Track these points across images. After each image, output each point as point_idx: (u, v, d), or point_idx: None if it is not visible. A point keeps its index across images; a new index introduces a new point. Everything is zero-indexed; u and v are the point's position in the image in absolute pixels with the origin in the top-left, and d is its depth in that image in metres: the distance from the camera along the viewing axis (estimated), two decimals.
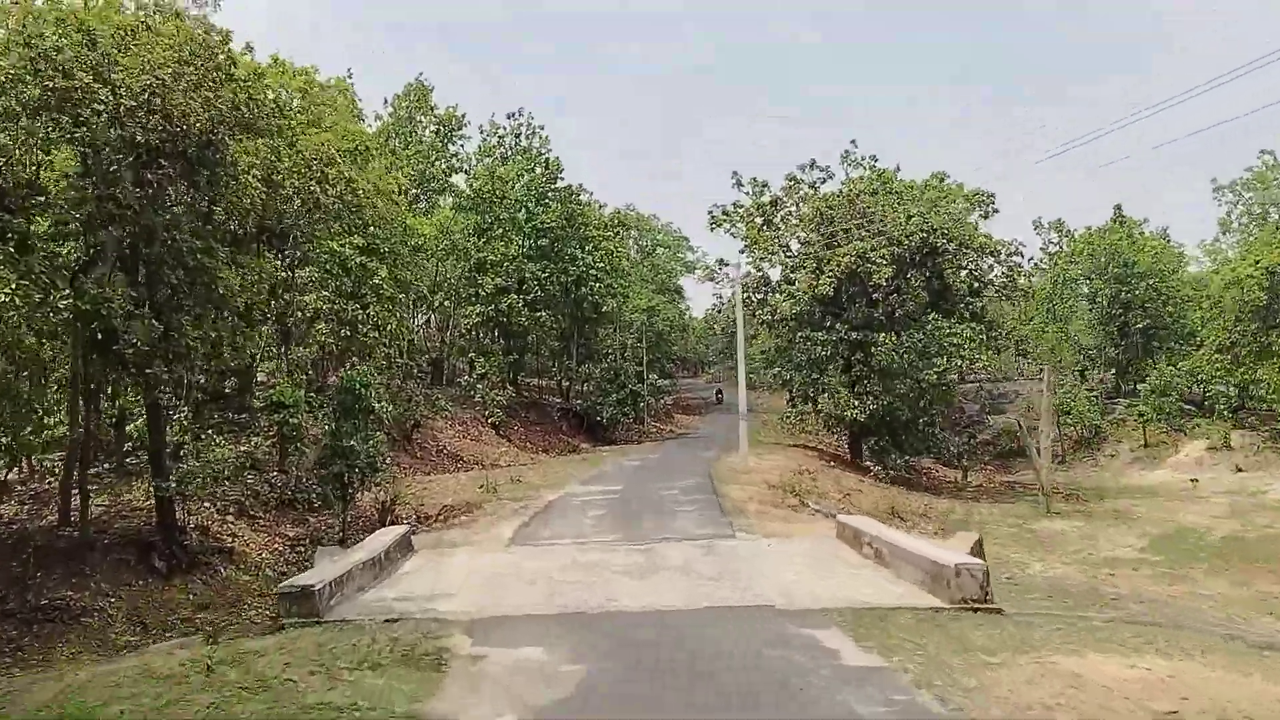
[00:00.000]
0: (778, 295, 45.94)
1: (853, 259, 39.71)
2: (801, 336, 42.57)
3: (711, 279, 46.83)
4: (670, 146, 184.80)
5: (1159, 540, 32.35)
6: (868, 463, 45.13)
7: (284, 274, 26.97)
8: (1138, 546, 31.91)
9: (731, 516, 19.90)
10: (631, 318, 61.03)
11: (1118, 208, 61.45)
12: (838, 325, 43.09)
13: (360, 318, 29.55)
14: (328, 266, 29.22)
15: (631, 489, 25.87)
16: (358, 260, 29.82)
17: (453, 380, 44.37)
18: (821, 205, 41.83)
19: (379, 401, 23.08)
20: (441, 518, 23.60)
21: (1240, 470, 47.11)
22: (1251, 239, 49.97)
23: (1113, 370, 58.78)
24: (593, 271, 48.25)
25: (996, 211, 41.88)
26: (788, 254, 43.71)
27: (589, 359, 54.68)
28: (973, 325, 43.38)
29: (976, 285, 44.14)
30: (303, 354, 29.39)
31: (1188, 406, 55.39)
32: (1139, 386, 61.41)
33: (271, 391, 26.33)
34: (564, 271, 47.89)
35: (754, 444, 46.44)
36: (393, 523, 24.37)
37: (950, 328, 42.95)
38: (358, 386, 22.66)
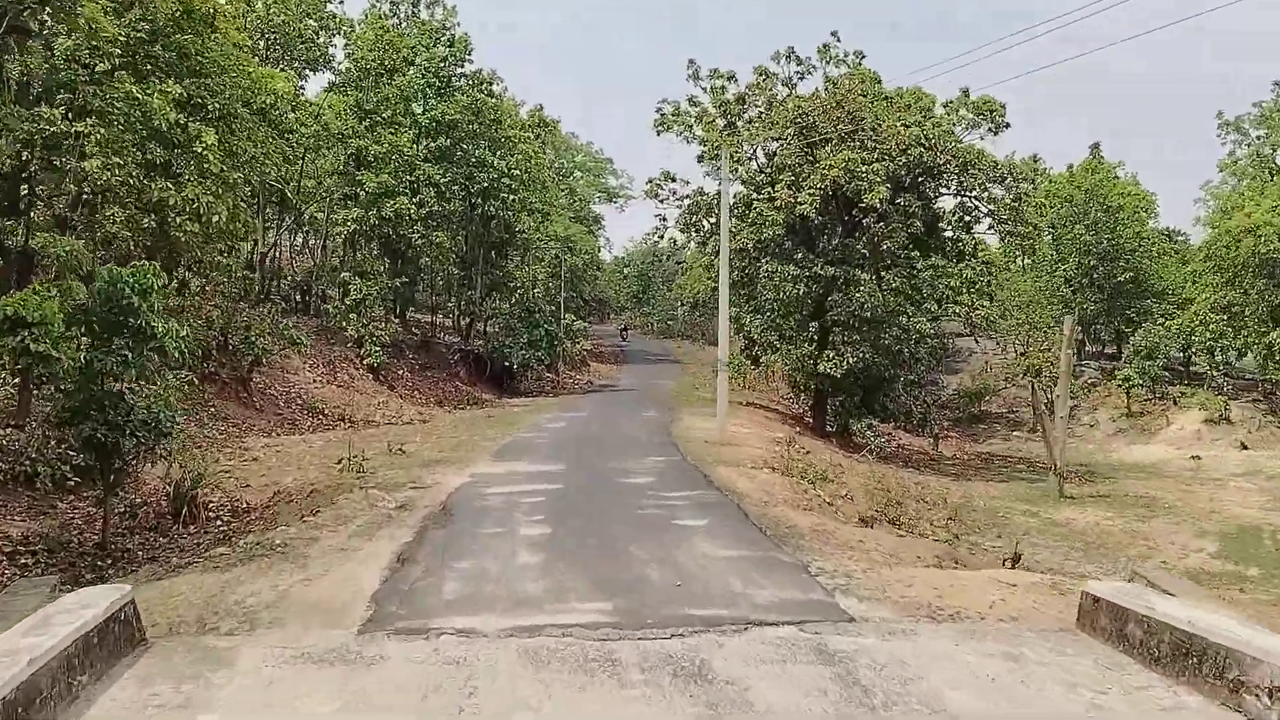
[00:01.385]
0: (741, 220, 37.36)
1: (840, 172, 31.23)
2: (767, 272, 34.06)
3: (656, 195, 37.81)
4: (594, 57, 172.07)
5: (1230, 542, 25.62)
6: (829, 428, 37.31)
7: (51, 127, 17.48)
8: (1210, 551, 24.85)
9: (782, 541, 11.14)
10: (546, 246, 51.57)
11: (1095, 146, 54.71)
12: (811, 258, 34.76)
13: (173, 201, 19.65)
14: (125, 121, 19.14)
15: (577, 471, 16.89)
16: (172, 118, 19.74)
17: (321, 310, 34.41)
18: (801, 105, 33.10)
19: (160, 321, 13.52)
20: (266, 516, 14.28)
21: (1246, 448, 41.12)
22: (1267, 183, 43.55)
23: (1085, 328, 52.36)
24: (505, 181, 38.61)
25: (1008, 126, 33.91)
26: (755, 167, 35.00)
27: (496, 291, 45.19)
28: (973, 265, 35.68)
29: (969, 219, 36.32)
30: (76, 249, 19.25)
31: (1164, 373, 49.44)
32: (1122, 348, 55.52)
33: (7, 302, 16.36)
34: (468, 179, 38.13)
35: (693, 402, 38.00)
36: (193, 517, 15.01)
37: (947, 268, 35.14)
38: (127, 291, 13.21)
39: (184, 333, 14.16)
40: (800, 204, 31.52)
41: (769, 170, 34.24)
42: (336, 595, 8.59)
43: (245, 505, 15.29)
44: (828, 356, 33.70)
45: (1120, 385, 45.08)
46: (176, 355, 13.92)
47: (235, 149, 22.90)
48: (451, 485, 15.12)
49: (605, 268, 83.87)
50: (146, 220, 20.34)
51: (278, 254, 45.09)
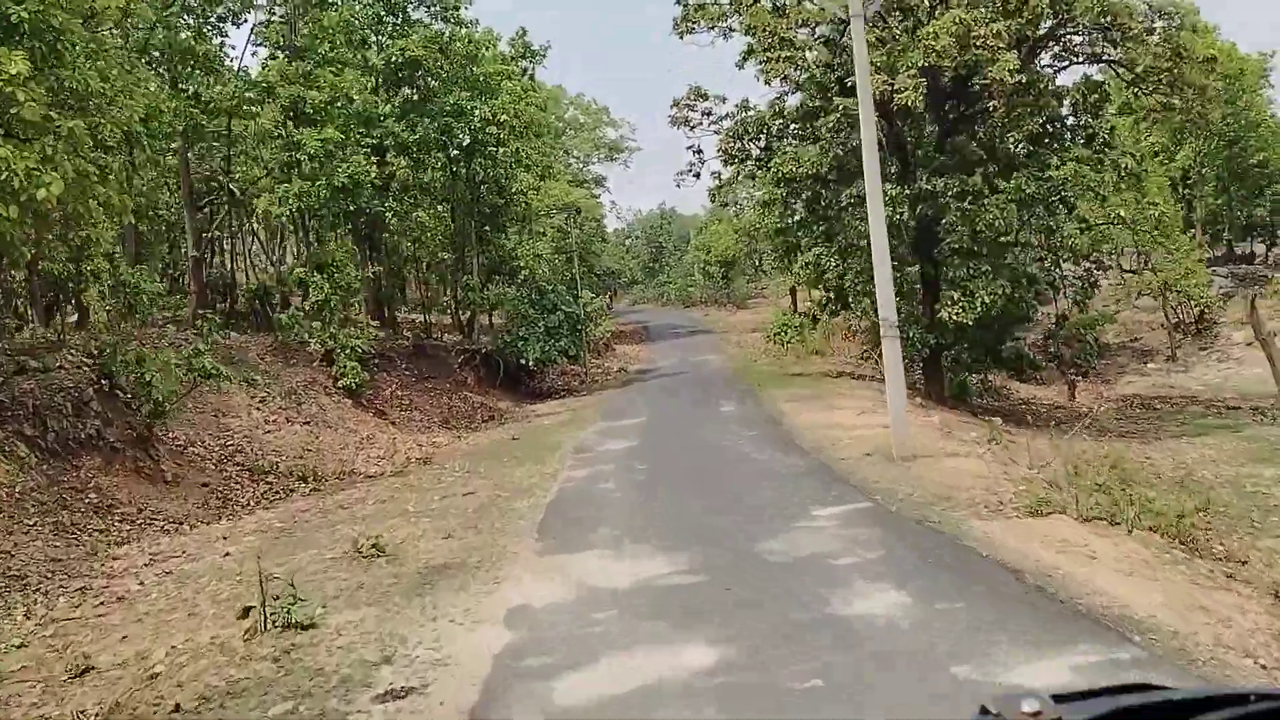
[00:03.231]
0: (786, 141, 28.77)
1: (950, 40, 22.61)
2: (853, 196, 25.44)
3: (686, 122, 29.09)
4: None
5: None
6: (941, 394, 28.91)
7: None
8: None
9: None
10: (548, 216, 43.02)
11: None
12: (911, 170, 26.23)
13: None
14: None
15: (717, 575, 8.29)
16: None
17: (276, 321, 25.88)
18: None
19: None
20: None
21: None
22: None
23: (1205, 227, 43.64)
24: (491, 131, 29.97)
25: None
26: (816, 60, 26.21)
27: (496, 274, 36.69)
28: (1112, 157, 27.06)
29: (1097, 97, 27.53)
30: None
31: None
32: (1255, 247, 46.91)
33: None
34: (445, 133, 29.50)
35: (768, 380, 29.56)
36: None
37: (1088, 163, 26.60)
38: None
39: None
40: (900, 92, 22.87)
41: (840, 59, 25.50)
42: None
43: None
44: (951, 299, 25.17)
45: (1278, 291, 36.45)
46: None
47: (71, 83, 14.62)
48: (467, 678, 6.66)
49: (610, 238, 75.11)
50: None
51: (230, 261, 36.69)
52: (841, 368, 34.28)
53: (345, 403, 24.07)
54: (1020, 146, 25.53)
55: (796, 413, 20.31)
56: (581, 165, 59.39)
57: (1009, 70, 22.61)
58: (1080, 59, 26.90)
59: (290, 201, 23.52)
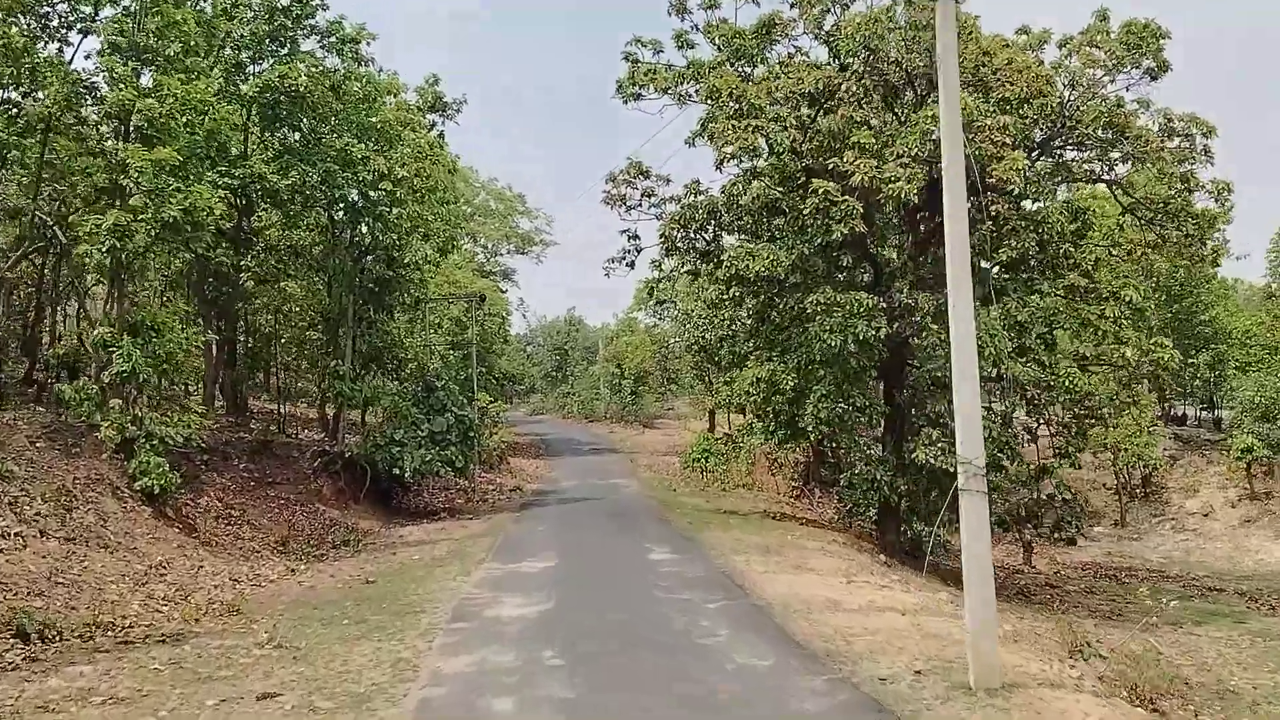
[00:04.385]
0: (739, 236, 24.42)
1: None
2: (819, 304, 20.81)
3: (622, 201, 24.37)
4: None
5: None
6: (897, 548, 24.27)
7: None
8: None
9: None
10: (446, 302, 37.67)
11: None
12: (894, 282, 22.04)
13: None
14: None
15: None
16: None
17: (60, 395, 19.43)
18: (864, 27, 20.23)
19: None
20: None
21: None
22: None
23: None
24: (385, 188, 24.71)
25: (1169, 70, 21.87)
26: (778, 142, 21.85)
27: (376, 364, 30.85)
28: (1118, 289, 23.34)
29: (1078, 226, 23.96)
30: None
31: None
32: (1215, 409, 44.24)
33: None
34: (328, 182, 24.10)
35: (702, 520, 24.36)
36: None
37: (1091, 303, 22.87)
38: None
39: None
40: (891, 181, 18.61)
41: (812, 144, 21.26)
42: None
43: None
44: (929, 438, 20.59)
45: (1238, 459, 33.30)
46: None
47: None
48: None
49: (512, 341, 69.67)
50: None
51: (53, 318, 29.80)
52: (776, 507, 29.31)
53: (141, 512, 17.63)
54: (1005, 265, 21.52)
55: (761, 574, 14.97)
56: (489, 255, 54.31)
57: (1017, 170, 18.70)
58: (1078, 176, 23.44)
59: (102, 239, 17.54)
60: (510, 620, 11.93)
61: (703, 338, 29.73)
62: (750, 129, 20.28)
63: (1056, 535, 22.77)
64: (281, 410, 30.93)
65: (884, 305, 21.01)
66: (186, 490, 20.23)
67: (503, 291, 54.45)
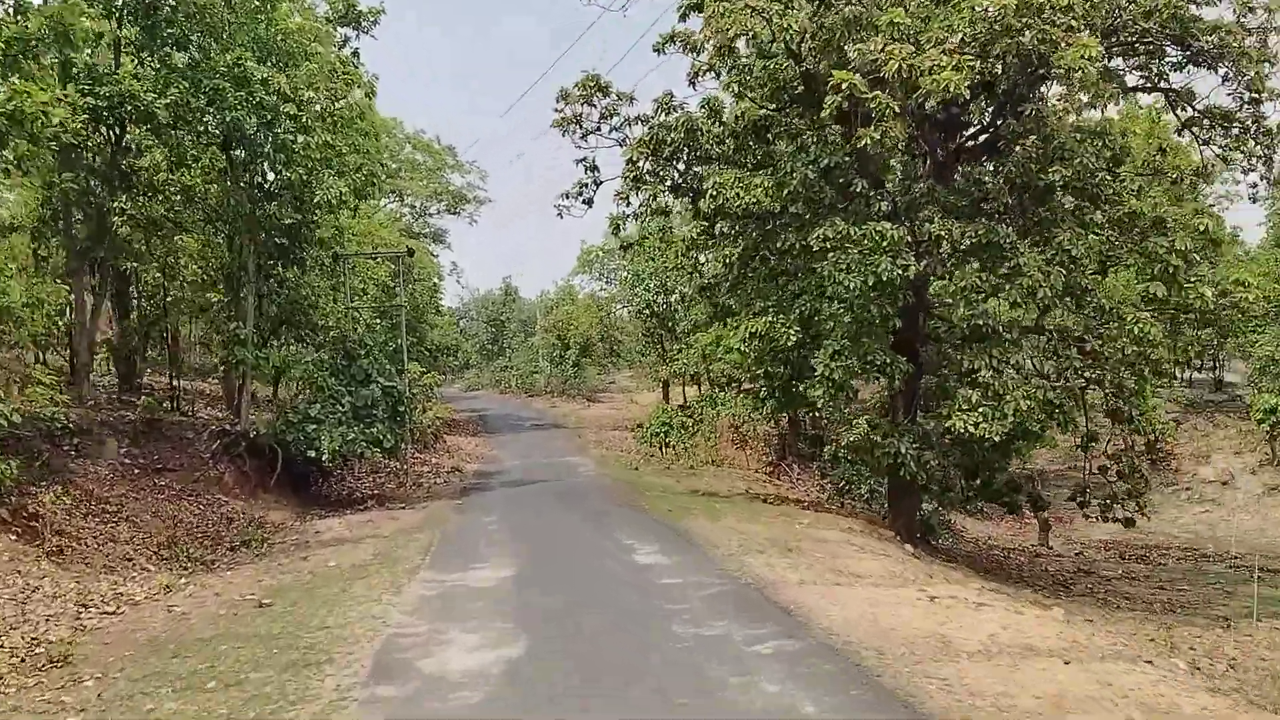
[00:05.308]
0: (719, 165, 20.28)
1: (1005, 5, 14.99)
2: (828, 239, 16.95)
3: (577, 123, 20.15)
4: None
5: None
6: (913, 532, 20.64)
7: None
8: None
9: None
10: (365, 268, 33.06)
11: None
12: (919, 213, 18.27)
13: None
14: None
15: None
16: None
17: None
18: None
19: None
20: None
21: None
22: None
23: None
24: (288, 111, 20.15)
25: None
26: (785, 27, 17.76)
27: (288, 327, 26.31)
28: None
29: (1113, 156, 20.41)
30: None
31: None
32: (1216, 367, 41.31)
33: None
34: (217, 103, 19.45)
35: (681, 507, 20.47)
36: None
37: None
38: None
39: None
40: (933, 72, 14.74)
41: (824, 36, 17.21)
42: None
43: None
44: (967, 401, 16.90)
45: (1260, 421, 30.39)
46: None
47: None
48: None
49: (445, 312, 64.71)
50: None
51: None
52: (757, 486, 25.57)
53: None
54: (1049, 190, 17.86)
55: (798, 585, 11.11)
56: (417, 215, 49.36)
57: (1090, 57, 14.97)
58: (1132, 85, 19.89)
59: None
60: (461, 681, 7.86)
61: (654, 302, 25.58)
62: (747, 10, 16.21)
63: (1109, 515, 19.36)
64: (176, 383, 26.19)
65: (910, 239, 17.26)
66: (41, 485, 15.82)
67: (434, 255, 49.64)
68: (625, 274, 45.78)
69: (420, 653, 8.71)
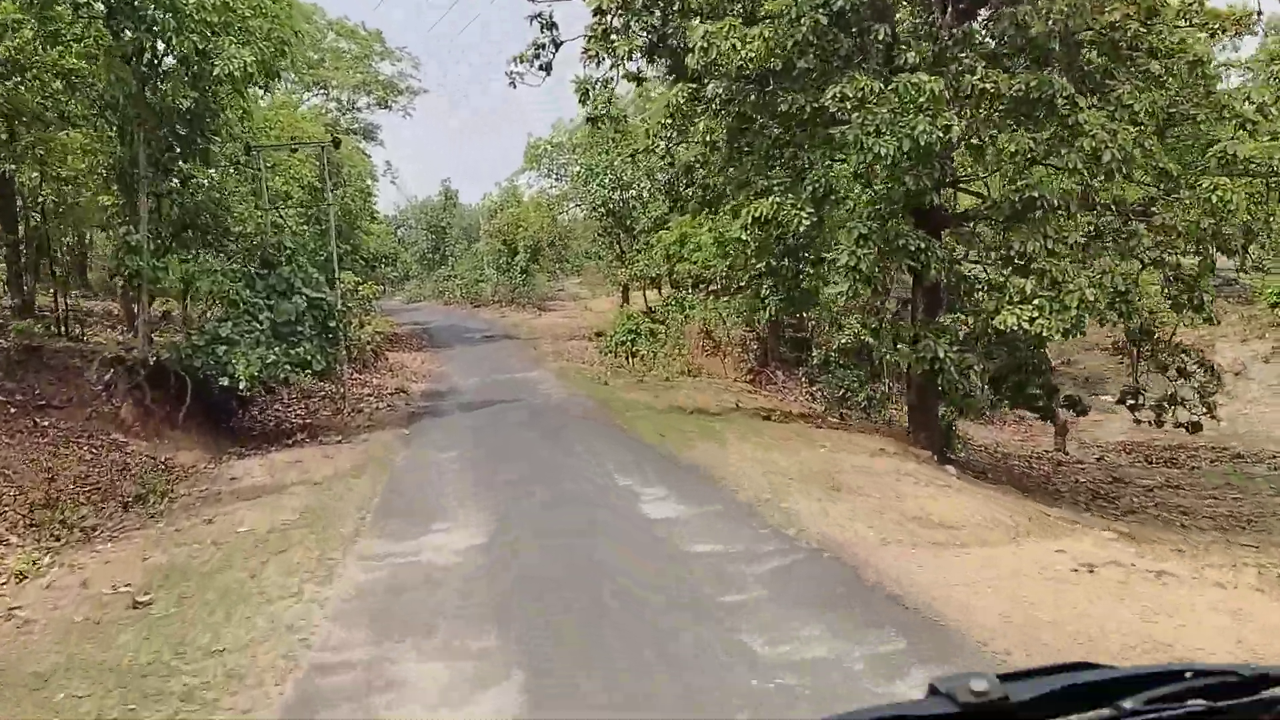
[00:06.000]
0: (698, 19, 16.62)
1: None
2: (849, 97, 13.67)
3: None
4: None
5: None
6: (935, 441, 17.98)
7: None
8: None
9: None
10: (287, 165, 28.99)
11: None
12: (962, 55, 14.94)
13: None
14: None
15: None
16: None
17: None
18: None
19: None
20: None
21: None
22: None
23: None
24: None
25: None
26: None
27: (192, 232, 22.45)
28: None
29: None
30: None
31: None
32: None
33: None
34: None
35: (665, 425, 17.49)
36: None
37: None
38: None
39: None
40: None
41: None
42: None
43: None
44: (1021, 291, 13.97)
45: (1274, 304, 28.17)
46: None
47: None
48: None
49: (381, 220, 60.12)
50: None
51: None
52: (745, 398, 22.63)
53: None
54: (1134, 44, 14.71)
55: (887, 549, 8.14)
56: (344, 109, 44.60)
57: None
58: None
59: None
60: None
61: (610, 198, 22.14)
62: None
63: (1168, 418, 16.85)
64: (62, 304, 22.29)
65: (948, 93, 13.99)
66: None
67: (366, 155, 45.09)
68: (578, 169, 41.96)
69: (354, 708, 5.56)
